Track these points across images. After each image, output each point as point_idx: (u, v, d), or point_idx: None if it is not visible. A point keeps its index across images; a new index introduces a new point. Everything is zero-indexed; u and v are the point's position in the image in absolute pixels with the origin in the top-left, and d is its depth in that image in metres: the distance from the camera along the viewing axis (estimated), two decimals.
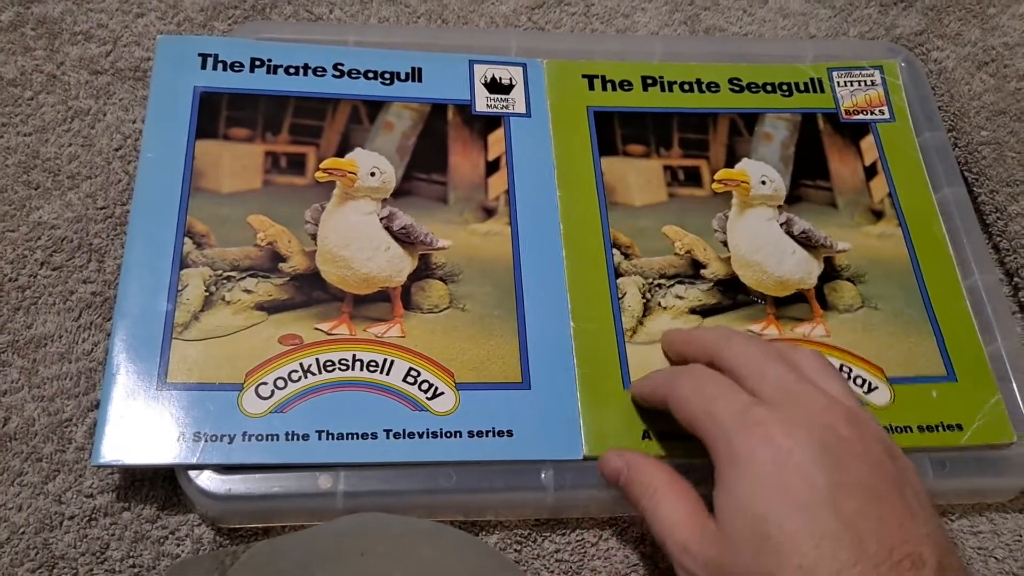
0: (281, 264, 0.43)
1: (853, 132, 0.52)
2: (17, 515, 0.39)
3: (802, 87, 0.53)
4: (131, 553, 0.39)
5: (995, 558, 0.43)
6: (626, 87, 0.51)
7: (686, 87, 0.51)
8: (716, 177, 0.49)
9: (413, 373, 0.41)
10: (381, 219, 0.45)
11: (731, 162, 0.50)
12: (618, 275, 0.45)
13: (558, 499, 0.40)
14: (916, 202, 0.50)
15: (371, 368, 0.41)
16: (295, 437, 0.39)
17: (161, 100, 0.46)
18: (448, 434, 0.40)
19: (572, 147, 0.49)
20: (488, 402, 0.41)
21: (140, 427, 0.38)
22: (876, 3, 0.60)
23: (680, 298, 0.45)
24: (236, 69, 0.47)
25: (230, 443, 0.39)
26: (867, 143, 0.51)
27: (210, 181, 0.45)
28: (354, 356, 0.41)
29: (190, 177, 0.44)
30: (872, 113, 0.52)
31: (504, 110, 0.49)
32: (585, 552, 0.41)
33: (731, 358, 0.37)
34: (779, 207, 0.49)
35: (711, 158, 0.50)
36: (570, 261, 0.45)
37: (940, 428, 0.43)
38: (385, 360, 0.42)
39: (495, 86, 0.50)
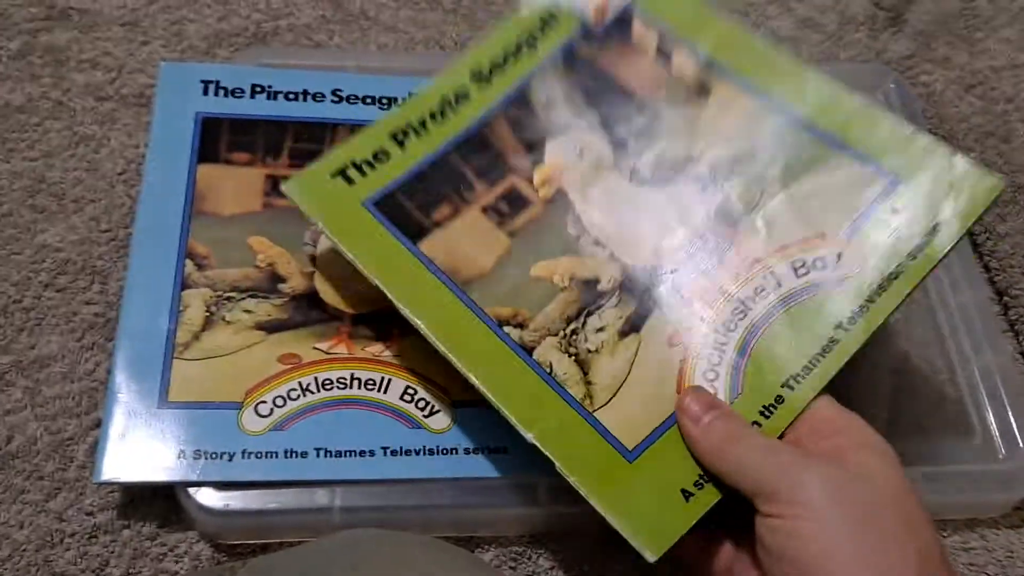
0: (280, 285, 0.44)
1: None
2: (19, 532, 0.40)
3: None
4: (130, 570, 0.40)
5: (986, 574, 0.43)
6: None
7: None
8: None
9: (410, 391, 0.42)
10: None
11: None
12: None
13: (553, 515, 0.41)
14: None
15: (369, 386, 0.42)
16: (294, 454, 0.40)
17: (163, 126, 0.47)
18: (444, 451, 0.41)
19: None
20: (484, 420, 0.42)
21: (141, 445, 0.39)
22: (866, 28, 0.61)
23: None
24: (237, 95, 0.49)
25: (229, 460, 0.39)
26: None
27: (211, 204, 0.45)
28: (352, 375, 0.42)
29: (191, 200, 0.45)
30: None
31: None
32: (580, 569, 0.42)
33: None
34: None
35: None
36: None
37: None
38: (383, 378, 0.42)
39: None
